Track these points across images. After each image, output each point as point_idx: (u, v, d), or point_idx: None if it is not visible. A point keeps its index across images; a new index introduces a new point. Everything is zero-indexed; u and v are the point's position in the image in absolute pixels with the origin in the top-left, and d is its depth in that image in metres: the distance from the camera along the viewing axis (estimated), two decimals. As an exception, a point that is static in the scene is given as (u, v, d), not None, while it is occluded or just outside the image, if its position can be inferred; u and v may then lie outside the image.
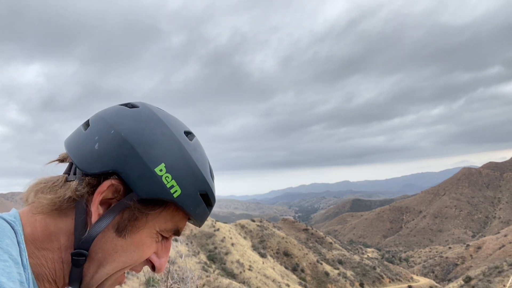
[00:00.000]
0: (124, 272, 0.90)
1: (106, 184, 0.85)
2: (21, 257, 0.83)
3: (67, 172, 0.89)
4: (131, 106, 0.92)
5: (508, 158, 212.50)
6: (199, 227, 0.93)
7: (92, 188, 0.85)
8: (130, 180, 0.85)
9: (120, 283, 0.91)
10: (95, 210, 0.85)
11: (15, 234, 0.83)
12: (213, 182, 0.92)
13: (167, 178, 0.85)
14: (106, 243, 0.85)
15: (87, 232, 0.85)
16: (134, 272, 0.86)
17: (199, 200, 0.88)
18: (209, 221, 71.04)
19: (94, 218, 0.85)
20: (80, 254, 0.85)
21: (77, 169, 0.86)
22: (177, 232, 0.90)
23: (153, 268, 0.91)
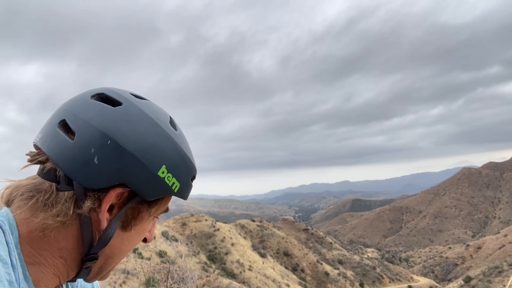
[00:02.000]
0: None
1: (113, 193, 0.86)
2: (10, 257, 0.82)
3: (51, 179, 0.86)
4: (104, 97, 0.89)
5: (508, 158, 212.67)
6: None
7: (100, 201, 0.86)
8: (136, 187, 0.86)
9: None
10: (104, 217, 0.86)
11: (3, 233, 0.83)
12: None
13: (168, 178, 0.87)
14: (112, 240, 0.88)
15: (98, 239, 0.86)
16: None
17: (190, 185, 0.94)
18: (209, 221, 71.02)
19: (103, 224, 0.86)
20: (92, 258, 0.87)
21: (74, 182, 0.85)
22: (166, 211, 0.98)
23: (144, 240, 0.98)
